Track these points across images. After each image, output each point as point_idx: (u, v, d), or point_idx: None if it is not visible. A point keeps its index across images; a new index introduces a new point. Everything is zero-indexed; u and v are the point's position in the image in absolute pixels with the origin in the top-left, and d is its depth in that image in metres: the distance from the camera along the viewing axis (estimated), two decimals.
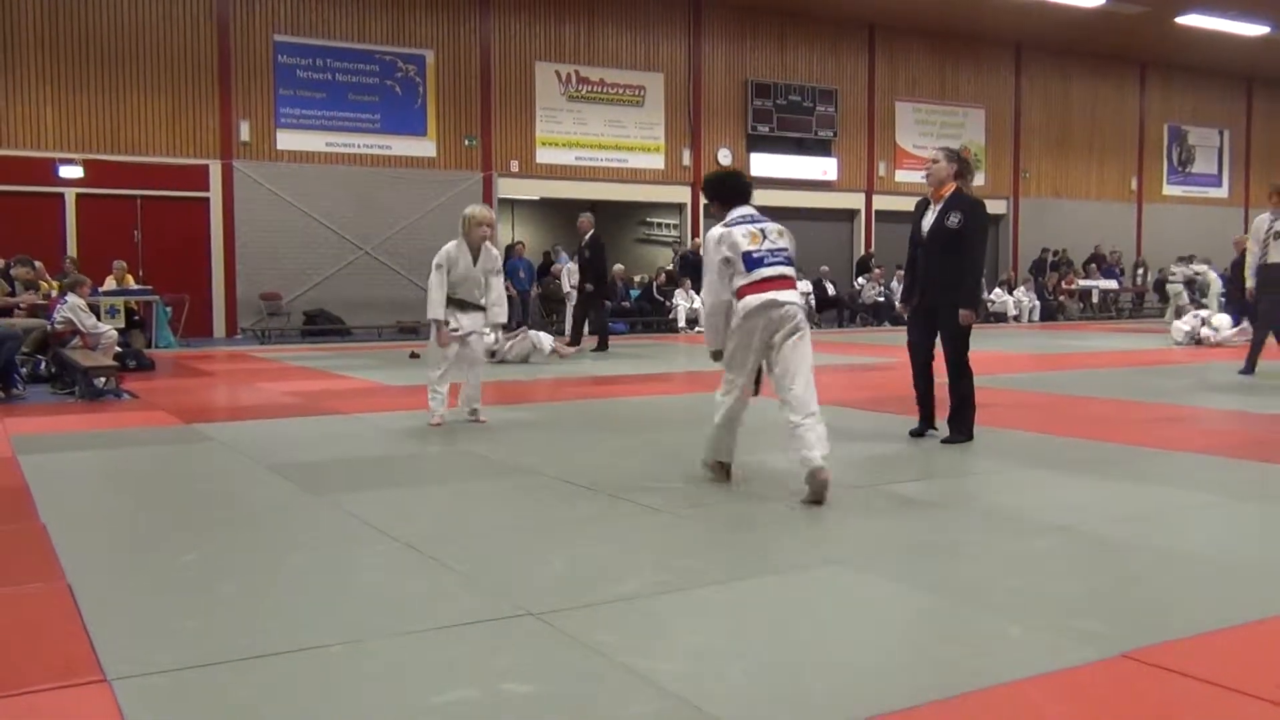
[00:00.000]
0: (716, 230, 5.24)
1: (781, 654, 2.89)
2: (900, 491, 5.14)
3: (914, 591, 3.46)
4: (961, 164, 6.55)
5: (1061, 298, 25.78)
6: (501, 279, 7.75)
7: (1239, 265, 18.00)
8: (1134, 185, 29.33)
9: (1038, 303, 24.82)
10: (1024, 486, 5.25)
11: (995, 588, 3.49)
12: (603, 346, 15.02)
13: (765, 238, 5.16)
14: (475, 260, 7.44)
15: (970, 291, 6.45)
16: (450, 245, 7.47)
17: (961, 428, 6.55)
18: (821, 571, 3.69)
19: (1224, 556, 3.89)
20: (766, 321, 5.02)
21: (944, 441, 6.51)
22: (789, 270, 5.15)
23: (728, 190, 5.40)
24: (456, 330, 7.40)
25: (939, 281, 6.45)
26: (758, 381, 5.26)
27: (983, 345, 16.13)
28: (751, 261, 5.06)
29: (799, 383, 4.93)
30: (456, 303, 7.45)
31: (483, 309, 7.59)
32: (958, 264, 6.39)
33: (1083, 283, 26.32)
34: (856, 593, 3.47)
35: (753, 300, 5.01)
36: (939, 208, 6.47)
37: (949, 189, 6.46)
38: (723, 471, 5.36)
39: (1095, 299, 26.57)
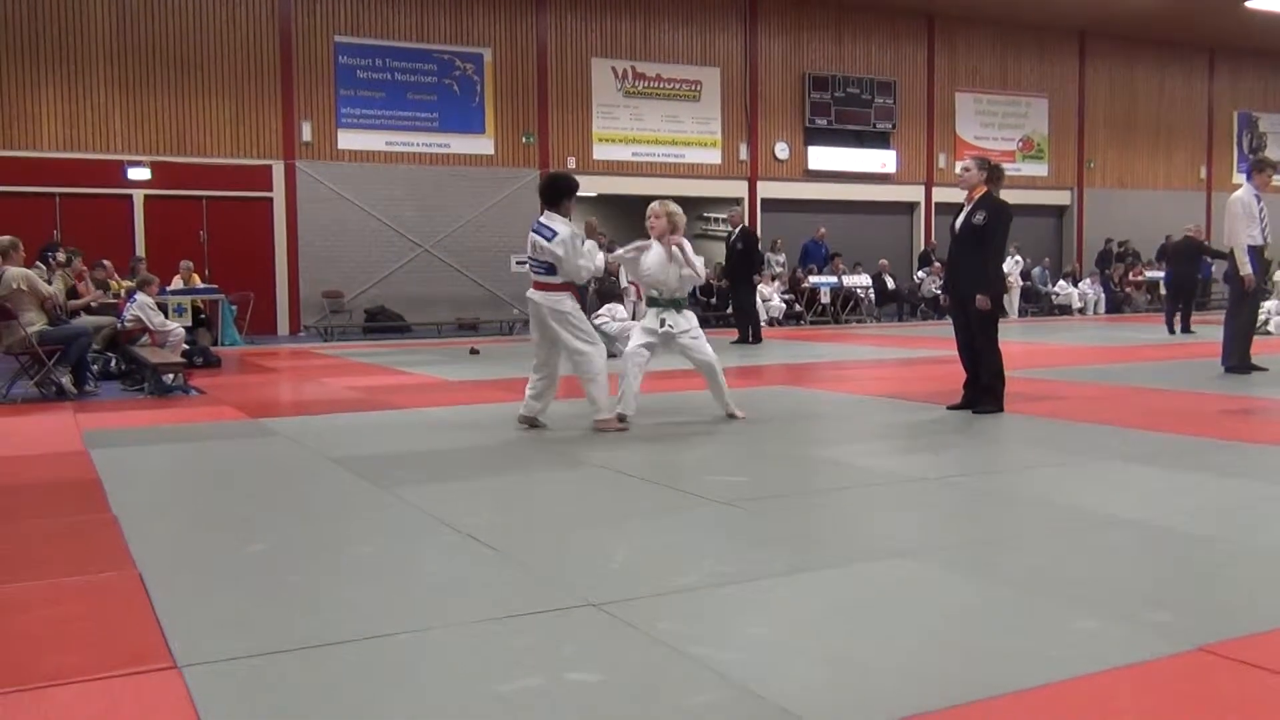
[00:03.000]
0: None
1: (846, 644, 2.85)
2: (964, 484, 5.07)
3: (981, 583, 3.40)
4: (992, 171, 7.28)
5: (1128, 289, 25.25)
6: (700, 262, 7.57)
7: (1177, 253, 16.48)
8: (1203, 174, 28.65)
9: (1103, 295, 24.33)
10: (1093, 479, 5.14)
11: (1066, 579, 3.41)
12: (755, 339, 15.17)
13: (530, 248, 6.75)
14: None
15: (988, 281, 7.15)
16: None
17: (990, 399, 7.24)
18: (886, 563, 3.64)
19: None
20: (531, 307, 6.82)
21: (975, 411, 7.23)
22: (541, 277, 6.72)
23: (541, 192, 6.90)
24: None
25: (964, 273, 7.25)
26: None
27: (1047, 338, 15.94)
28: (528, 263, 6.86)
29: (570, 357, 6.76)
30: (650, 299, 7.27)
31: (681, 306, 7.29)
32: (980, 257, 7.10)
33: (1150, 274, 25.74)
34: (922, 584, 3.41)
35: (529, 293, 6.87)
36: (969, 208, 7.25)
37: (979, 192, 7.21)
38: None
39: (1163, 290, 25.91)
